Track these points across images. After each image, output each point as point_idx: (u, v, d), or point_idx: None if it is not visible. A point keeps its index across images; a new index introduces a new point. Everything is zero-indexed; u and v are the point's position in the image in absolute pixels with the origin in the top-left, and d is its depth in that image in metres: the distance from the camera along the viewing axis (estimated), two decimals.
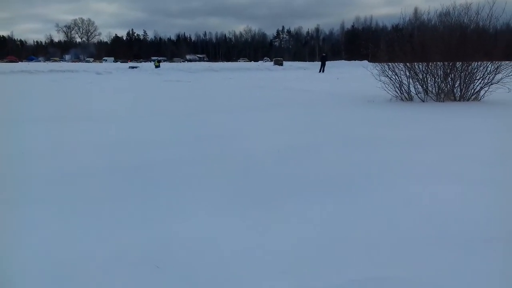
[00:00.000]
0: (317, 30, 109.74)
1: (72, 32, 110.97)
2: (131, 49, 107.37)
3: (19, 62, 58.10)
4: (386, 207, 2.80)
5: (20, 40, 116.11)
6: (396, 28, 12.53)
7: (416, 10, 13.37)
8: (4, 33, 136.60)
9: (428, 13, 10.24)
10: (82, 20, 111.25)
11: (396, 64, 9.49)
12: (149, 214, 2.69)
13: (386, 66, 9.46)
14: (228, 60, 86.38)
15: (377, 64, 9.97)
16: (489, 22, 9.06)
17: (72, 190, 3.20)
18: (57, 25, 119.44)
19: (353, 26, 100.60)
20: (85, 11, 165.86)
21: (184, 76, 23.77)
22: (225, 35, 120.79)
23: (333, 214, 2.69)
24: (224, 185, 3.31)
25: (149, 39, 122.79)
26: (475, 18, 9.15)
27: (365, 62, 31.35)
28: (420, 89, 9.41)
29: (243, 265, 2.06)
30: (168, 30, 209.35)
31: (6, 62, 60.16)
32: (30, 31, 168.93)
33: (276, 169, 3.75)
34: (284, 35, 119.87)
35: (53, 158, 4.22)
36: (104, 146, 4.82)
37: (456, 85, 9.21)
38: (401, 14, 11.74)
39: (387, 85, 9.40)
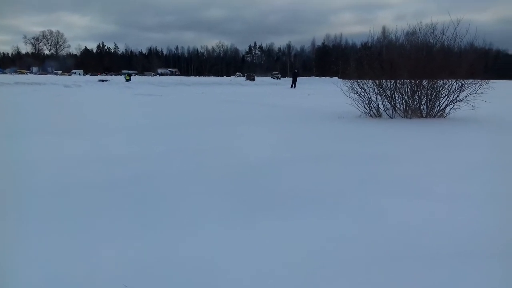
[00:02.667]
0: (289, 46, 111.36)
1: (40, 44, 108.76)
2: (101, 62, 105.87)
3: None
4: (357, 222, 2.80)
5: None
6: (365, 46, 12.85)
7: (384, 29, 13.76)
8: None
9: (396, 32, 10.57)
10: (51, 32, 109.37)
11: (365, 81, 9.68)
12: (131, 232, 2.60)
13: (356, 83, 9.63)
14: (200, 75, 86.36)
15: (347, 80, 10.14)
16: (454, 42, 9.41)
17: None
18: (24, 37, 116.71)
19: (323, 43, 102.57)
20: (57, 24, 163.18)
21: (155, 90, 23.55)
22: (197, 49, 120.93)
23: (305, 229, 2.67)
24: (202, 199, 3.24)
25: (120, 52, 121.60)
26: (440, 37, 9.49)
27: (335, 78, 31.94)
28: (388, 106, 9.60)
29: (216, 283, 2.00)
30: (140, 43, 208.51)
31: None
32: None
33: (253, 184, 3.72)
34: (256, 51, 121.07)
35: (23, 173, 4.06)
36: (73, 160, 4.67)
37: (423, 102, 9.45)
38: (369, 33, 12.05)
39: (356, 102, 9.55)
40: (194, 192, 3.50)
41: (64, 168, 4.34)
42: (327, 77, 45.80)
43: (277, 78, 55.61)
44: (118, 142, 6.02)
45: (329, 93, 18.19)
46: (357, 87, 9.56)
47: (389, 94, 9.59)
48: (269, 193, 3.46)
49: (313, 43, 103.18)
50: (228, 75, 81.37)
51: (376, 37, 11.34)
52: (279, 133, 7.18)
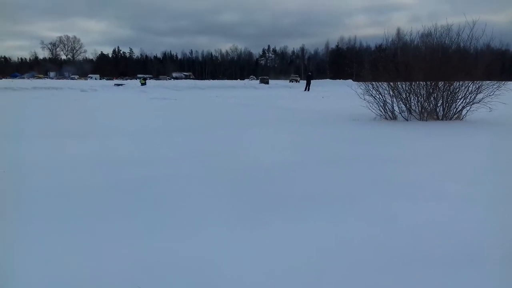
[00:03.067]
0: (302, 49, 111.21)
1: (57, 49, 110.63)
2: (117, 66, 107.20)
3: (3, 79, 57.49)
4: (370, 225, 2.77)
5: (4, 57, 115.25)
6: (380, 48, 12.73)
7: (398, 31, 13.61)
8: None
9: (411, 34, 10.44)
10: (68, 37, 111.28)
11: (380, 83, 9.60)
12: (136, 234, 2.62)
13: (370, 85, 9.55)
14: (214, 78, 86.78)
15: (361, 83, 10.07)
16: (470, 43, 9.28)
17: (62, 208, 3.11)
18: (42, 42, 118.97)
19: (337, 45, 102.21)
20: (73, 29, 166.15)
21: (170, 93, 23.73)
22: (211, 53, 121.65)
23: (318, 231, 2.65)
24: (211, 202, 3.25)
25: (135, 57, 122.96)
26: (456, 39, 9.37)
27: (350, 81, 31.80)
28: (404, 108, 9.51)
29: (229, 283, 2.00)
30: (155, 48, 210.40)
31: None
32: (15, 48, 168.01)
33: (262, 187, 3.71)
34: (270, 54, 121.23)
35: (35, 176, 4.11)
36: (92, 163, 4.72)
37: (438, 105, 9.34)
38: (384, 35, 11.92)
39: (371, 104, 9.48)
40: (203, 194, 3.50)
41: (74, 169, 4.38)
42: (341, 80, 45.64)
43: (296, 81, 53.42)
44: (130, 145, 6.06)
45: (343, 95, 18.10)
46: (372, 89, 9.49)
47: (404, 96, 9.49)
48: (279, 196, 3.44)
49: (327, 46, 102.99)
50: (242, 78, 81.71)
51: (390, 39, 11.22)
52: (291, 136, 7.16)
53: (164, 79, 70.94)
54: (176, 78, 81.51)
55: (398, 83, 9.52)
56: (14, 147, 5.85)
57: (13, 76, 79.06)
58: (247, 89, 32.93)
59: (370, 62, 10.84)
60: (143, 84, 36.04)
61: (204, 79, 76.94)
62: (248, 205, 3.24)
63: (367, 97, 9.47)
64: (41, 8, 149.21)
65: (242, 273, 2.14)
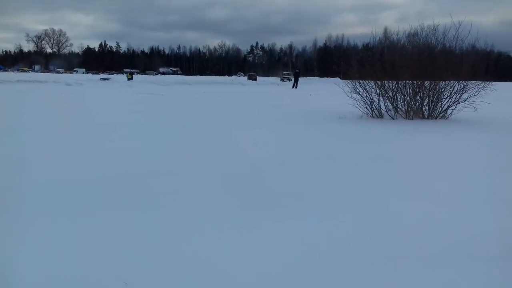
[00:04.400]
0: (290, 46, 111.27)
1: (43, 42, 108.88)
2: (103, 61, 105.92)
3: None
4: (358, 222, 2.80)
5: None
6: (367, 47, 12.84)
7: (386, 30, 13.72)
8: None
9: (398, 33, 10.54)
10: (53, 31, 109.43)
11: (367, 82, 9.67)
12: (126, 232, 2.60)
13: (357, 84, 9.62)
14: (201, 74, 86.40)
15: (348, 81, 10.13)
16: (456, 43, 9.41)
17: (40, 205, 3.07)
18: (27, 35, 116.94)
19: (325, 44, 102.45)
20: (60, 22, 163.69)
21: (157, 89, 23.54)
22: (199, 49, 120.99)
23: (307, 228, 2.66)
24: (200, 199, 3.24)
25: (122, 51, 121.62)
26: (442, 39, 9.49)
27: (337, 79, 31.98)
28: (390, 107, 9.59)
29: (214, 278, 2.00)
30: (142, 42, 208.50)
31: None
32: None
33: (251, 184, 3.71)
34: (258, 51, 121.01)
35: (21, 171, 4.05)
36: (76, 158, 4.67)
37: (424, 103, 9.45)
38: (371, 34, 12.00)
39: (358, 102, 9.54)
40: (190, 191, 3.50)
41: (58, 165, 4.33)
42: (328, 78, 45.83)
43: (288, 79, 48.19)
44: (115, 140, 6.00)
45: (330, 93, 18.18)
46: (359, 87, 9.55)
47: (391, 95, 9.58)
48: (268, 193, 3.45)
49: (314, 44, 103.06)
50: (230, 74, 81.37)
51: (378, 38, 11.30)
52: (279, 133, 7.17)
53: (151, 74, 70.39)
54: (163, 73, 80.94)
55: (385, 81, 9.60)
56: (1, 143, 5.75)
57: None
58: (234, 86, 32.85)
59: (357, 61, 10.90)
60: (130, 79, 35.69)
61: (191, 75, 76.56)
62: (237, 201, 3.24)
63: (354, 95, 9.53)
64: (29, 0, 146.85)
65: (233, 271, 2.14)
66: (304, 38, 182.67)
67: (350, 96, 9.53)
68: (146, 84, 28.96)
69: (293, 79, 34.06)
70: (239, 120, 9.04)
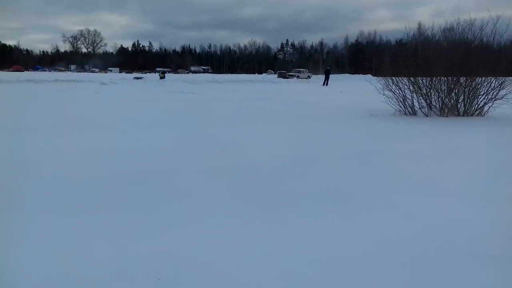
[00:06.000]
0: (321, 43, 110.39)
1: (78, 42, 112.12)
2: (136, 60, 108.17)
3: (25, 71, 58.63)
4: (387, 222, 2.77)
5: (27, 50, 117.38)
6: (400, 43, 12.58)
7: (420, 25, 13.43)
8: (11, 42, 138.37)
9: (432, 29, 10.30)
10: (88, 31, 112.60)
11: (400, 78, 9.51)
12: (152, 224, 2.67)
13: (390, 81, 9.47)
14: (232, 72, 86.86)
15: (381, 78, 9.98)
16: (493, 38, 9.10)
17: (75, 198, 3.19)
18: (63, 35, 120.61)
19: (357, 40, 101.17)
20: (96, 23, 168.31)
21: (188, 87, 23.86)
22: (229, 47, 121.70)
23: (332, 228, 2.66)
24: (226, 196, 3.29)
25: (154, 51, 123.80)
26: (479, 34, 9.20)
27: (369, 76, 31.45)
28: (424, 104, 9.39)
29: (241, 277, 2.03)
30: (174, 42, 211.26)
31: (12, 71, 60.75)
32: (38, 41, 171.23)
33: (278, 182, 3.73)
34: (288, 48, 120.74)
35: (54, 167, 4.21)
36: (109, 155, 4.81)
37: (460, 100, 9.20)
38: (405, 29, 11.75)
39: (390, 99, 9.40)
40: (215, 188, 3.54)
41: (86, 161, 4.47)
42: (360, 75, 45.18)
43: (296, 76, 46.08)
44: (147, 138, 6.13)
45: (362, 90, 17.96)
46: (391, 84, 9.41)
47: (424, 91, 9.38)
48: (296, 191, 3.45)
49: (346, 40, 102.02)
50: (260, 72, 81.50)
51: (411, 34, 11.06)
52: (309, 130, 7.14)
53: (182, 73, 71.29)
54: (194, 72, 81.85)
55: (419, 78, 9.41)
56: (35, 139, 5.97)
57: (35, 68, 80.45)
58: (265, 83, 32.88)
59: (390, 57, 10.70)
60: (162, 77, 36.28)
61: (222, 73, 77.09)
62: (265, 199, 3.26)
63: (386, 92, 9.39)
64: (67, 2, 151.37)
65: (255, 266, 2.17)
66: (335, 35, 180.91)
67: (382, 93, 9.40)
68: (178, 82, 29.37)
69: (323, 76, 33.75)
70: (268, 118, 9.06)
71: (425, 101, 9.40)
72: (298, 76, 48.48)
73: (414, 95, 9.39)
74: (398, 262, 2.20)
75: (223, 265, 2.17)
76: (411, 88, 9.35)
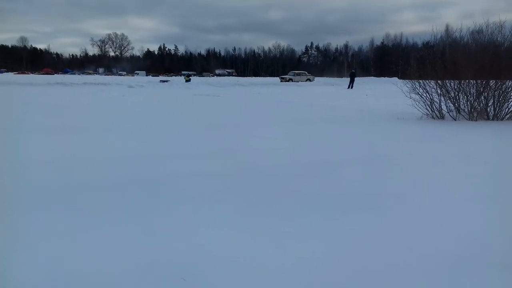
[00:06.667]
0: (346, 46, 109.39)
1: (106, 46, 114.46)
2: (162, 63, 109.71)
3: (55, 75, 60.30)
4: (410, 227, 2.74)
5: (57, 53, 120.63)
6: (427, 45, 12.40)
7: (447, 27, 13.18)
8: (42, 46, 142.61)
9: (461, 31, 10.11)
10: (116, 35, 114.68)
11: (427, 81, 9.36)
12: (167, 227, 2.72)
13: (417, 83, 9.34)
14: (256, 75, 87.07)
15: (407, 81, 9.86)
16: None
17: (91, 200, 3.27)
18: (92, 39, 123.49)
19: (382, 42, 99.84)
20: (124, 27, 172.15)
21: (213, 90, 24.07)
22: (254, 50, 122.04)
23: (354, 232, 2.65)
24: (245, 200, 3.31)
25: (180, 54, 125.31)
26: (509, 36, 8.98)
27: (395, 79, 31.05)
28: (452, 108, 9.22)
29: (260, 280, 2.05)
30: (199, 45, 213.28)
31: (43, 74, 62.59)
32: (68, 45, 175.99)
33: (300, 185, 3.74)
34: (313, 51, 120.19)
35: (70, 169, 4.33)
36: (130, 157, 4.91)
37: (489, 104, 8.99)
38: (432, 32, 11.56)
39: (417, 103, 9.27)
40: (238, 191, 3.57)
41: (120, 163, 4.57)
42: (386, 77, 44.61)
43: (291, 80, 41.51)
44: (172, 140, 6.22)
45: (388, 93, 17.73)
46: (418, 87, 9.27)
47: (452, 95, 9.21)
48: (318, 194, 3.45)
49: (371, 43, 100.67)
50: (284, 75, 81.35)
51: (439, 36, 10.90)
52: (333, 134, 7.11)
53: (207, 76, 71.89)
54: (219, 75, 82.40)
55: (446, 81, 9.24)
56: (63, 140, 6.14)
57: (65, 71, 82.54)
58: (289, 86, 32.82)
59: (417, 60, 10.55)
60: (188, 80, 36.66)
61: (246, 76, 77.33)
62: (286, 202, 3.27)
63: (413, 95, 9.27)
64: (95, 6, 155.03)
65: (279, 268, 2.19)
66: (360, 38, 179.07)
67: (409, 96, 9.27)
68: (203, 85, 29.61)
69: (348, 79, 33.46)
70: (291, 120, 9.05)
71: (453, 104, 9.23)
72: (291, 80, 42.89)
73: (442, 99, 9.23)
74: (422, 268, 2.18)
75: (242, 267, 2.19)
76: (439, 91, 9.19)
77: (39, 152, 5.18)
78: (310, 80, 43.16)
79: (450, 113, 9.12)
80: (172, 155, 5.06)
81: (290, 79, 42.89)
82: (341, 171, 4.27)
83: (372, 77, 51.05)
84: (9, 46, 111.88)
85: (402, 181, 3.92)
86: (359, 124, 8.43)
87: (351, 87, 30.38)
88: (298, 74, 44.76)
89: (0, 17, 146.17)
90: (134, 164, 4.55)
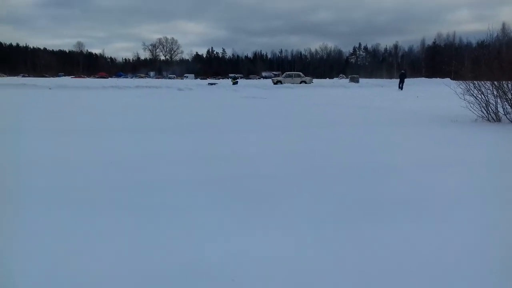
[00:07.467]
0: (396, 46, 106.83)
1: (157, 50, 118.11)
2: (210, 66, 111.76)
3: (109, 78, 63.01)
4: (466, 233, 2.68)
5: (111, 58, 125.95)
6: (482, 45, 11.91)
7: (504, 26, 12.60)
8: (97, 51, 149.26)
9: None
10: (166, 39, 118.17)
11: (482, 82, 9.00)
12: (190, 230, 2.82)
13: (471, 85, 9.00)
14: None
15: (461, 82, 9.53)
16: None
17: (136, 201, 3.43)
18: (143, 44, 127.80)
19: (434, 42, 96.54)
20: (173, 31, 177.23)
21: (259, 92, 24.25)
22: (300, 52, 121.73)
23: (407, 239, 2.62)
24: (302, 204, 3.36)
25: (227, 57, 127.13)
26: None
27: (448, 80, 29.98)
28: (509, 110, 8.81)
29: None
30: (246, 48, 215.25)
31: (98, 77, 65.61)
32: (121, 50, 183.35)
33: (352, 189, 3.73)
34: (361, 52, 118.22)
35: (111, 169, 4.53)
36: (186, 156, 5.08)
37: None
38: (488, 30, 11.09)
39: (472, 105, 8.93)
40: (293, 193, 3.61)
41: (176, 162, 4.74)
42: (438, 78, 43.13)
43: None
44: (213, 141, 6.35)
45: (440, 95, 17.17)
46: (473, 88, 8.94)
47: (510, 96, 8.80)
48: (370, 199, 3.43)
49: (422, 43, 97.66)
50: (331, 77, 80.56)
51: (495, 35, 10.44)
52: (384, 137, 6.99)
53: (254, 79, 72.42)
54: (266, 77, 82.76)
55: (503, 82, 8.85)
56: (118, 141, 6.43)
57: (118, 75, 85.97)
58: (336, 88, 32.49)
59: (471, 60, 10.18)
60: (235, 83, 37.18)
61: None
62: (340, 207, 3.28)
63: (467, 97, 8.95)
64: (148, 12, 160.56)
65: (333, 274, 2.22)
66: (411, 38, 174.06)
67: (462, 98, 8.96)
68: (249, 88, 29.92)
69: (398, 79, 32.62)
70: (339, 123, 8.98)
71: (511, 106, 8.82)
72: (279, 82, 39.19)
73: (499, 100, 8.84)
74: (476, 275, 2.14)
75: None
76: (495, 92, 8.81)
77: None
78: (305, 83, 38.99)
79: (507, 115, 8.72)
80: (246, 156, 5.19)
81: (279, 82, 39.36)
82: (394, 175, 4.21)
83: (423, 78, 49.52)
84: (67, 51, 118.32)
85: (457, 185, 3.82)
86: (411, 127, 8.23)
87: (401, 88, 29.66)
88: (290, 76, 40.96)
89: (58, 24, 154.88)
90: (199, 163, 4.71)
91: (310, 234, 2.66)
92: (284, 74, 41.88)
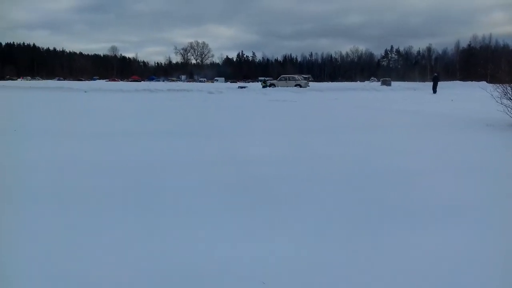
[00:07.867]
0: (429, 49, 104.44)
1: (188, 54, 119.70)
2: (240, 70, 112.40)
3: (142, 82, 64.41)
4: (500, 239, 2.64)
5: (143, 62, 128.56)
6: None
7: None
8: (131, 55, 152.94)
9: None
10: (197, 43, 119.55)
11: None
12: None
13: (509, 88, 8.76)
14: (333, 80, 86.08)
15: (497, 85, 9.28)
16: None
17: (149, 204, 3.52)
18: (175, 48, 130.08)
19: (469, 45, 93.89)
20: (205, 35, 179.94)
21: (290, 95, 24.21)
22: (331, 55, 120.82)
23: (438, 244, 2.60)
24: (332, 207, 3.38)
25: (257, 61, 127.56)
26: None
27: (483, 83, 29.12)
28: None
29: None
30: (277, 51, 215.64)
31: (131, 81, 67.18)
32: (153, 53, 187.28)
33: (379, 194, 3.72)
34: (393, 55, 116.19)
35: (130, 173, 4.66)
36: (212, 161, 5.18)
37: None
38: None
39: (509, 109, 8.68)
40: (313, 195, 3.63)
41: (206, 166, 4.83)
42: (473, 81, 41.93)
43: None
44: (246, 145, 6.41)
45: (475, 98, 16.72)
46: (510, 92, 8.69)
47: None
48: (401, 204, 3.42)
49: (457, 45, 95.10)
50: (362, 80, 79.50)
51: None
52: (418, 141, 6.90)
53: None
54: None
55: None
56: (153, 144, 6.59)
57: (150, 79, 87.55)
58: (367, 91, 32.06)
59: (508, 62, 9.89)
60: (265, 86, 37.23)
61: (322, 81, 76.74)
62: (367, 209, 3.28)
63: (504, 100, 8.71)
64: (179, 16, 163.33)
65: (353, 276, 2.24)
66: (444, 40, 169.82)
67: (499, 101, 8.72)
68: (279, 91, 29.90)
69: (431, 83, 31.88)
70: (370, 127, 8.90)
71: None
72: (273, 85, 37.06)
73: None
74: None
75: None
76: None
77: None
78: (300, 86, 36.22)
79: None
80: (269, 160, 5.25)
81: (272, 85, 37.49)
82: (425, 181, 4.17)
83: (457, 81, 48.23)
84: (101, 55, 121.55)
85: (492, 192, 3.75)
86: (444, 131, 8.08)
87: (435, 92, 29.00)
88: (285, 79, 38.87)
89: (94, 28, 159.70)
90: (226, 167, 4.81)
91: (335, 238, 2.68)
92: (279, 77, 40.37)
